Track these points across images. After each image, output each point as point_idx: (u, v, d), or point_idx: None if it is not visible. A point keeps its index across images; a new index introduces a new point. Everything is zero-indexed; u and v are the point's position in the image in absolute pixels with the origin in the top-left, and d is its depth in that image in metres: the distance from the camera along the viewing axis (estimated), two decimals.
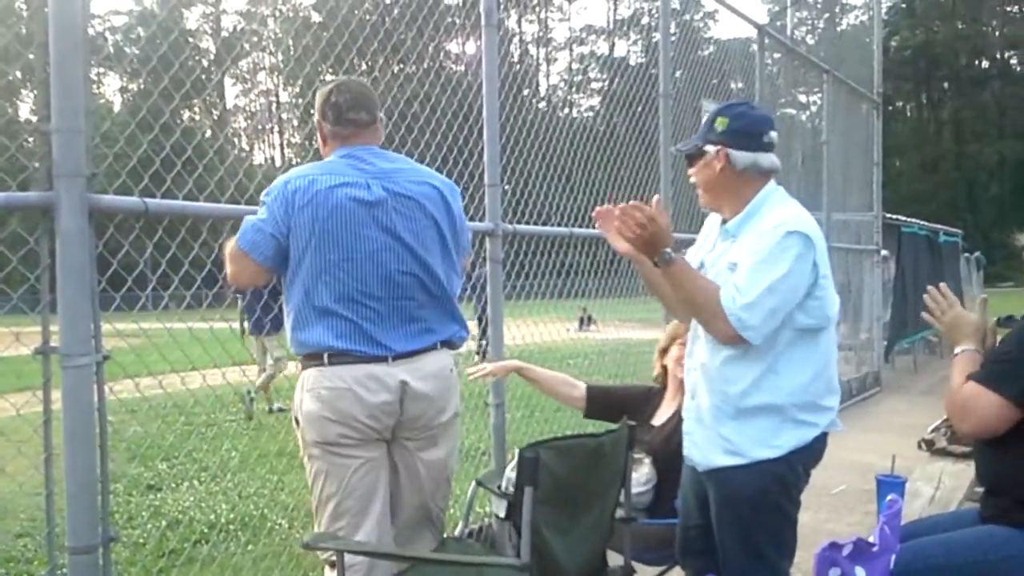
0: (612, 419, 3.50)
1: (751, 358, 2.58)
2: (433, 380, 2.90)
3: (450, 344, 3.02)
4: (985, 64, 60.87)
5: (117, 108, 43.15)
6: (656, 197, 2.64)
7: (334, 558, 2.63)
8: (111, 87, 49.61)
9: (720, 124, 2.72)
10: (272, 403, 9.46)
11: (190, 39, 51.82)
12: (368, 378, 2.77)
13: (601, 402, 3.84)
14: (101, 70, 47.48)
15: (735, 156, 2.68)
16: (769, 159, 2.72)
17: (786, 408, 2.58)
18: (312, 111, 3.05)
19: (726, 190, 2.73)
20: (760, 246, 2.54)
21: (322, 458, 2.80)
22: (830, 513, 5.45)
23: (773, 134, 2.74)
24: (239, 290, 8.76)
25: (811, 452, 2.63)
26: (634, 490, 3.25)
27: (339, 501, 2.80)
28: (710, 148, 2.71)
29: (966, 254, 16.95)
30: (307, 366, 2.82)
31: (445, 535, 3.19)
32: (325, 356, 2.76)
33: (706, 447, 2.69)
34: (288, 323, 2.86)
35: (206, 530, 5.08)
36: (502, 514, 3.08)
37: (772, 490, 2.58)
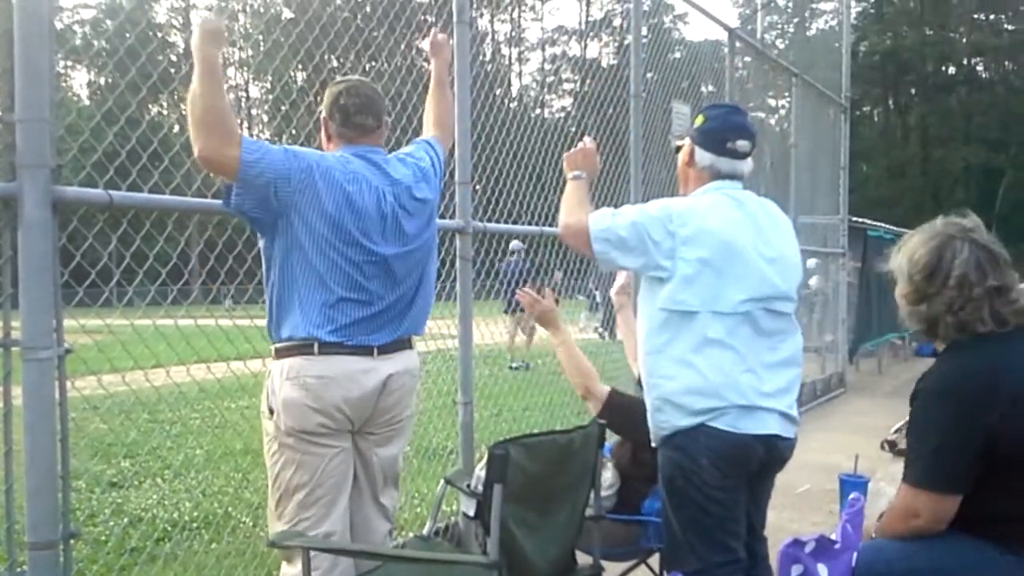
0: (623, 431, 3.49)
1: (643, 335, 2.86)
2: (407, 376, 2.99)
3: (411, 342, 3.10)
4: (952, 70, 61.59)
5: (85, 103, 42.64)
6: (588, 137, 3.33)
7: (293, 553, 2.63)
8: (79, 81, 49.04)
9: (698, 120, 2.99)
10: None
11: (158, 33, 51.25)
12: (356, 370, 2.80)
13: (622, 411, 3.47)
14: (69, 63, 46.90)
15: (698, 154, 2.94)
16: (729, 164, 2.90)
17: (668, 389, 2.76)
18: (281, 106, 3.06)
19: (688, 181, 3.01)
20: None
21: (296, 447, 2.78)
22: (794, 512, 5.50)
23: (742, 143, 2.90)
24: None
25: (713, 447, 2.68)
26: None
27: (310, 491, 2.79)
28: (687, 141, 3.00)
29: None
30: (289, 354, 2.80)
31: (412, 534, 3.19)
32: (315, 346, 2.77)
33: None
34: (276, 311, 2.84)
35: (169, 528, 5.03)
36: (471, 513, 3.08)
37: (675, 475, 2.76)
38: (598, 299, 14.35)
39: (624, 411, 3.38)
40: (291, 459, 2.80)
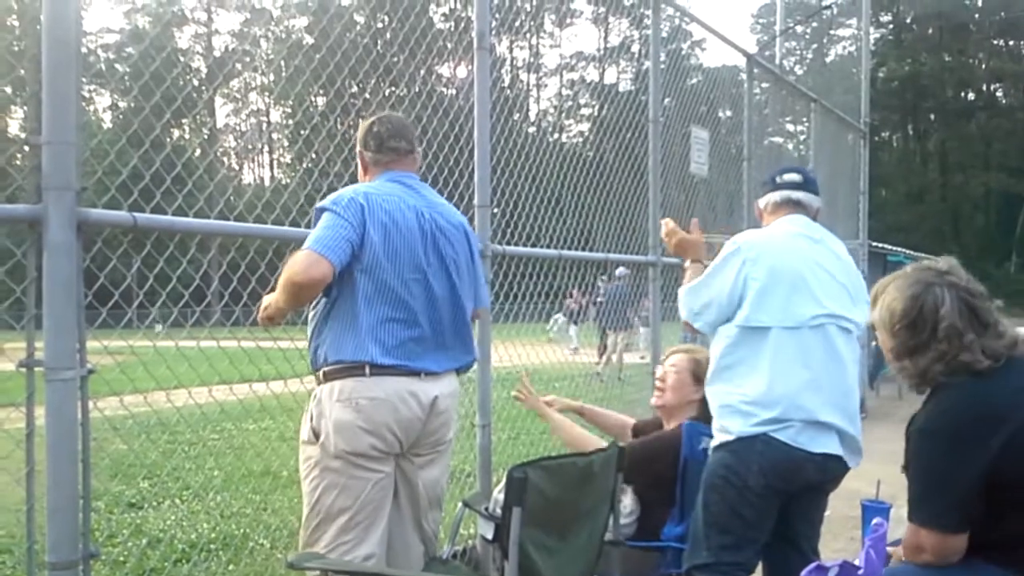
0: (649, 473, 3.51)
1: (716, 346, 3.08)
2: (450, 399, 3.05)
3: (461, 371, 3.18)
4: (971, 96, 61.46)
5: (107, 126, 43.10)
6: (695, 220, 3.59)
7: None
8: (102, 104, 49.59)
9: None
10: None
11: (181, 58, 51.84)
12: (406, 391, 2.84)
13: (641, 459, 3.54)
14: (93, 87, 47.48)
15: (759, 201, 3.41)
16: (782, 195, 3.31)
17: (735, 399, 2.96)
18: (302, 131, 3.14)
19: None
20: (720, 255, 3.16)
21: (342, 471, 2.80)
22: None
23: (789, 176, 3.35)
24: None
25: (768, 456, 2.85)
26: None
27: (352, 515, 2.81)
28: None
29: None
30: (338, 377, 2.83)
31: (429, 558, 3.18)
32: (367, 368, 2.80)
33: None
34: (326, 334, 2.88)
35: (187, 549, 5.03)
36: (489, 536, 3.07)
37: (719, 473, 2.94)
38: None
39: (643, 457, 3.42)
40: (334, 483, 2.81)
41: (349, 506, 2.80)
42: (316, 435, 2.85)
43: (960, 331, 2.41)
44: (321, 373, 2.89)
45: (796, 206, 3.27)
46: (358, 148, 3.16)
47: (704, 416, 3.48)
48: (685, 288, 3.20)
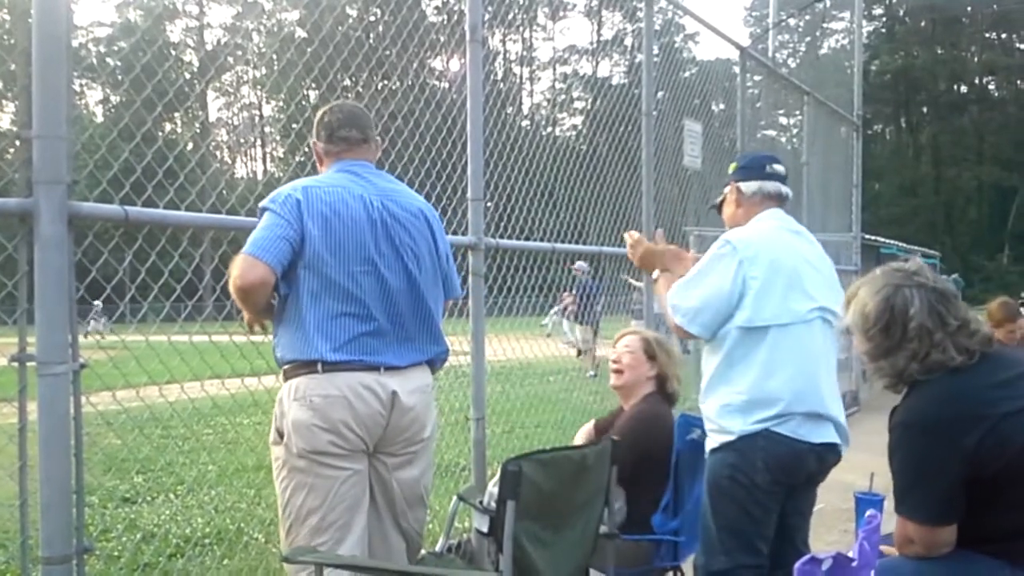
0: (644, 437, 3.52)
1: (712, 352, 3.03)
2: (419, 394, 2.94)
3: (432, 364, 3.08)
4: (964, 89, 61.60)
5: (99, 120, 42.96)
6: (659, 231, 3.52)
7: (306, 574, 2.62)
8: (93, 98, 49.44)
9: (732, 168, 3.34)
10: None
11: (172, 51, 51.68)
12: (361, 386, 2.77)
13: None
14: (84, 82, 47.29)
15: (744, 186, 3.23)
16: (774, 185, 3.22)
17: (736, 399, 2.92)
18: (294, 124, 3.11)
19: (743, 218, 3.22)
20: (707, 253, 3.06)
21: (308, 470, 2.76)
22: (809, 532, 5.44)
23: (777, 165, 3.26)
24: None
25: (772, 451, 2.85)
26: None
27: (323, 515, 2.76)
28: (726, 189, 3.32)
29: (944, 276, 17.10)
30: (294, 375, 2.79)
31: (425, 551, 3.18)
32: (319, 365, 2.75)
33: (708, 437, 3.06)
34: (281, 334, 2.84)
35: (181, 544, 5.02)
36: (484, 529, 3.07)
37: (724, 474, 2.91)
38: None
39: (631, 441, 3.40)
40: (302, 483, 2.77)
41: (318, 506, 2.76)
42: (280, 435, 2.81)
43: (930, 330, 2.44)
44: (282, 373, 2.86)
45: (781, 200, 3.24)
46: (312, 140, 3.09)
47: (661, 391, 3.67)
48: (674, 293, 3.07)
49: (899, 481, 2.49)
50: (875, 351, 2.54)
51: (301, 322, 2.77)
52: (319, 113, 3.07)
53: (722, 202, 3.37)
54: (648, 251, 3.37)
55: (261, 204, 2.84)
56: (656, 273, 3.33)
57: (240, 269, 2.67)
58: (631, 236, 3.46)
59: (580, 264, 9.63)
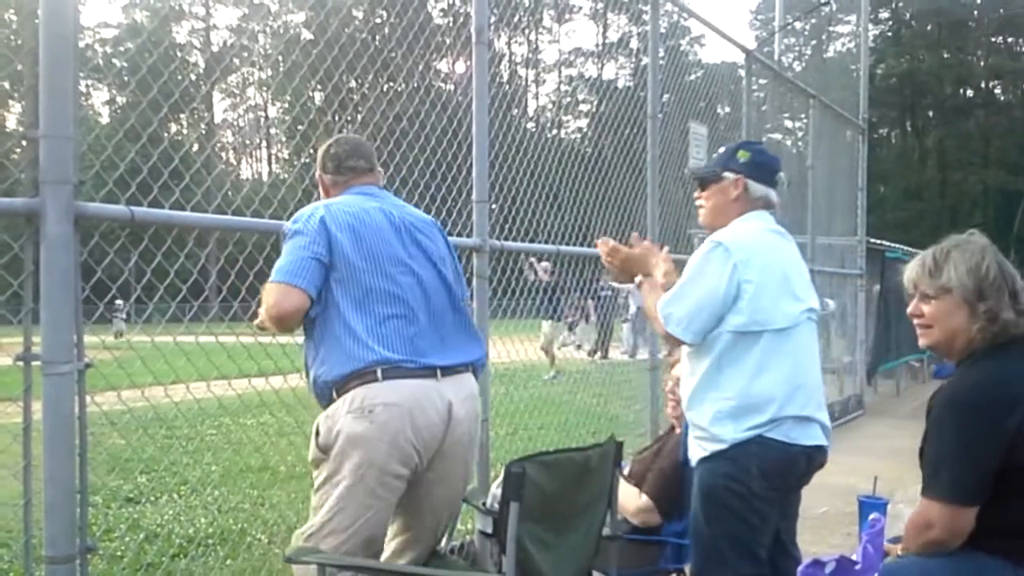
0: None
1: (700, 356, 2.91)
2: (469, 403, 2.88)
3: (475, 369, 3.00)
4: (970, 93, 61.45)
5: (105, 120, 43.06)
6: (635, 234, 3.26)
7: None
8: (99, 99, 49.53)
9: (743, 156, 3.13)
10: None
11: (178, 52, 51.77)
12: (423, 396, 2.69)
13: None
14: (90, 82, 47.40)
15: (753, 186, 3.09)
16: (775, 194, 3.15)
17: (726, 405, 2.83)
18: (300, 126, 3.11)
19: (733, 214, 3.09)
20: (695, 256, 2.95)
21: (358, 484, 2.63)
22: (812, 535, 5.44)
23: (782, 175, 3.19)
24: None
25: (766, 457, 2.79)
26: None
27: (344, 540, 2.66)
28: (729, 175, 3.10)
29: None
30: (347, 388, 2.68)
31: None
32: (379, 371, 2.66)
33: (691, 444, 2.96)
34: (321, 352, 2.75)
35: (185, 544, 5.02)
36: (488, 531, 3.07)
37: (718, 484, 2.82)
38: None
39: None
40: (343, 497, 2.65)
41: (345, 528, 2.65)
42: (325, 451, 2.69)
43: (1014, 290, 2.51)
44: (334, 392, 2.72)
45: (773, 208, 3.17)
46: (317, 172, 3.08)
47: None
48: (666, 302, 2.92)
49: (934, 457, 2.48)
50: (994, 308, 2.51)
51: (350, 332, 2.69)
52: (323, 147, 3.08)
53: (711, 181, 3.16)
54: (627, 257, 3.20)
55: (284, 227, 2.81)
56: (639, 279, 3.18)
57: (274, 298, 2.65)
58: (605, 244, 3.24)
59: (544, 264, 9.58)
